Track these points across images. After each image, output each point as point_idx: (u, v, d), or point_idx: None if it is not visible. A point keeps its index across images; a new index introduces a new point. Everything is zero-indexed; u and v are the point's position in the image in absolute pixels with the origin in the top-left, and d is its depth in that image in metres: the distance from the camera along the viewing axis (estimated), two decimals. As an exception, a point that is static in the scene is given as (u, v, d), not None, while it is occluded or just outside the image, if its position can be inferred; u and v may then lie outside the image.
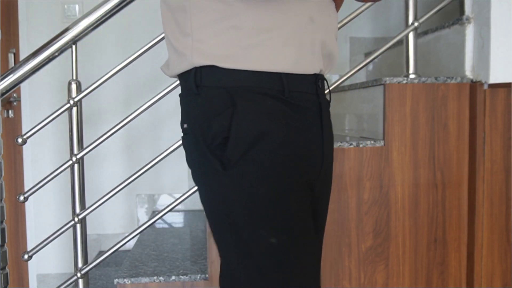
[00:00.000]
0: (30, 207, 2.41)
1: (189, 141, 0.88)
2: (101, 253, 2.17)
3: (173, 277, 1.41)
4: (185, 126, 0.88)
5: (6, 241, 1.39)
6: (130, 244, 2.05)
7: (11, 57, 2.22)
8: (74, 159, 1.41)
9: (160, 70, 1.11)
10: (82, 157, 1.42)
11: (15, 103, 2.36)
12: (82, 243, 1.44)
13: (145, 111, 1.45)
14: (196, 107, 0.84)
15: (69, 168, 1.43)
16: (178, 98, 0.91)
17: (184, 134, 0.89)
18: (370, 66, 2.45)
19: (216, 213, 0.87)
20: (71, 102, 1.40)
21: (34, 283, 2.43)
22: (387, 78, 1.46)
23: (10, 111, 2.33)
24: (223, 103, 0.80)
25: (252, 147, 0.80)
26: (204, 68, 0.82)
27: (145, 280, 1.41)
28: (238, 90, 0.80)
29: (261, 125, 0.80)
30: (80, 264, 1.43)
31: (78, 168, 1.43)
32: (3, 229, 1.37)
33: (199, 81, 0.82)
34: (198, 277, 1.41)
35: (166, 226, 2.12)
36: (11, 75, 1.32)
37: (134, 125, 2.33)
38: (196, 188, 1.34)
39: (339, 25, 1.51)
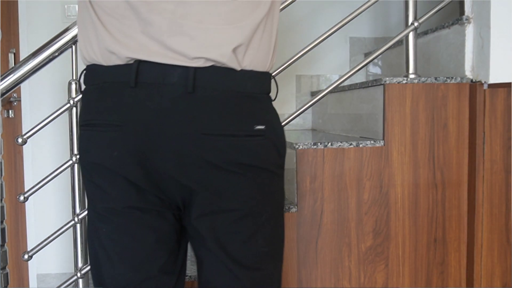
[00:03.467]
0: (30, 207, 2.41)
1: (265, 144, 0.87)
2: (101, 253, 2.17)
3: (173, 277, 1.41)
4: (259, 127, 0.85)
5: (6, 241, 1.39)
6: (130, 244, 2.04)
7: (11, 57, 2.22)
8: (74, 159, 1.41)
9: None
10: (82, 157, 1.42)
11: (15, 103, 2.36)
12: (82, 243, 1.44)
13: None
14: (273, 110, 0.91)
15: (69, 168, 1.43)
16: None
17: (256, 136, 0.85)
18: (370, 66, 2.46)
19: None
20: (71, 102, 1.40)
21: (34, 283, 2.42)
22: (387, 78, 1.46)
23: (10, 111, 2.33)
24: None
25: None
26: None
27: (145, 280, 1.40)
28: None
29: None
30: (80, 264, 1.43)
31: (78, 168, 1.43)
32: (3, 229, 1.37)
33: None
34: (198, 277, 1.41)
35: (166, 226, 2.12)
36: (11, 75, 1.32)
37: (134, 125, 2.32)
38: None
39: (340, 25, 1.51)
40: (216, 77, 0.82)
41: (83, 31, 0.89)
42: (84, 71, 0.92)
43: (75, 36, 1.36)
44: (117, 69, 0.85)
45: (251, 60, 0.85)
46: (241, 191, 0.86)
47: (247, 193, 0.87)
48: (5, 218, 1.40)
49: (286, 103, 2.47)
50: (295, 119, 1.51)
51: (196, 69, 0.81)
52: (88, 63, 0.90)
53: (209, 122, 0.82)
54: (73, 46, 1.39)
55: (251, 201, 0.87)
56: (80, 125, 0.91)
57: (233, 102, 0.83)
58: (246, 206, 0.87)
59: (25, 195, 1.37)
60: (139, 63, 0.82)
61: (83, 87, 0.94)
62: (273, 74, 1.49)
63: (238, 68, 0.84)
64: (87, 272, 1.44)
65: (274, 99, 0.96)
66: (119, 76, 0.84)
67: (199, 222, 0.88)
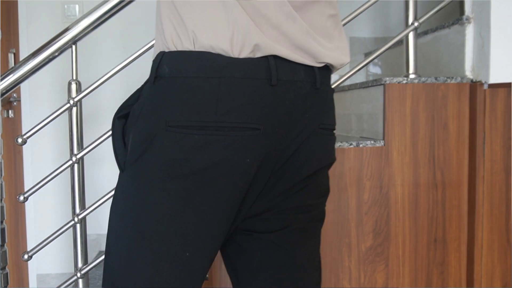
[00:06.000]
0: (30, 207, 2.41)
1: None
2: (101, 253, 2.17)
3: (173, 277, 1.41)
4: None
5: (6, 241, 1.39)
6: (130, 244, 2.04)
7: (11, 57, 2.22)
8: (74, 159, 1.41)
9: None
10: (82, 157, 1.42)
11: (15, 103, 2.36)
12: (82, 243, 1.44)
13: (145, 111, 1.44)
14: None
15: (69, 168, 1.43)
16: None
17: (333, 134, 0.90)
18: (370, 66, 2.46)
19: None
20: (71, 102, 1.40)
21: (34, 283, 2.43)
22: (387, 78, 1.46)
23: (10, 111, 2.33)
24: None
25: None
26: None
27: (145, 280, 1.40)
28: None
29: None
30: (80, 264, 1.43)
31: (78, 168, 1.43)
32: (3, 229, 1.37)
33: None
34: (198, 277, 1.41)
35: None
36: (11, 75, 1.32)
37: (134, 125, 2.32)
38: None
39: (339, 25, 1.51)
40: (325, 74, 0.86)
41: (198, 10, 0.75)
42: (180, 58, 0.76)
43: (75, 36, 1.36)
44: (252, 63, 0.76)
45: None
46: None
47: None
48: (5, 218, 1.40)
49: (286, 103, 2.47)
50: (295, 119, 1.51)
51: (317, 67, 0.84)
52: (196, 49, 0.75)
53: (327, 116, 0.86)
54: (73, 46, 1.39)
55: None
56: (184, 125, 0.74)
57: (332, 98, 0.89)
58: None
59: (25, 195, 1.37)
60: (275, 58, 0.77)
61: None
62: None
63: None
64: (87, 272, 1.44)
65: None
66: (255, 72, 0.76)
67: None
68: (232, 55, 0.74)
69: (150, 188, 0.76)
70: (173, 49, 0.76)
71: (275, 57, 0.77)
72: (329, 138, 0.87)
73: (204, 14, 0.74)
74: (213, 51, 0.74)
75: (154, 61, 0.79)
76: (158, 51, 0.79)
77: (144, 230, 0.76)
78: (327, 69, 0.87)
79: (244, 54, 0.75)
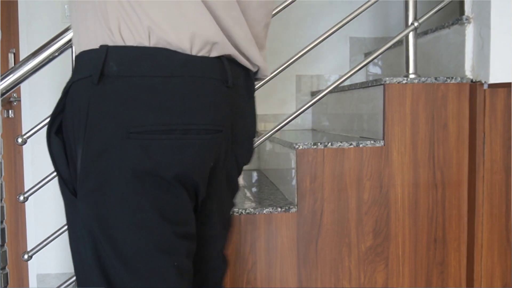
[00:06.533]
0: (30, 207, 2.41)
1: None
2: (101, 253, 2.17)
3: (173, 277, 1.41)
4: None
5: (6, 241, 1.38)
6: (130, 244, 2.04)
7: (11, 57, 2.22)
8: (74, 159, 1.41)
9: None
10: (82, 157, 1.42)
11: (15, 103, 2.36)
12: (82, 243, 1.44)
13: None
14: None
15: (69, 168, 1.43)
16: None
17: None
18: (370, 66, 2.46)
19: None
20: (71, 102, 1.40)
21: (34, 283, 2.42)
22: (387, 78, 1.46)
23: (10, 111, 2.33)
24: None
25: None
26: None
27: (145, 280, 1.40)
28: None
29: None
30: (80, 264, 1.43)
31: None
32: (3, 229, 1.37)
33: None
34: (198, 277, 1.41)
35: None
36: (11, 75, 1.32)
37: (134, 125, 2.32)
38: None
39: (340, 25, 1.51)
40: (254, 83, 0.91)
41: (157, 5, 0.68)
42: (126, 53, 0.68)
43: (75, 36, 1.36)
44: (209, 62, 0.71)
45: None
46: None
47: None
48: (5, 218, 1.39)
49: (286, 103, 2.47)
50: (295, 119, 1.51)
51: (253, 75, 0.87)
52: (152, 45, 0.68)
53: (255, 125, 0.91)
54: (73, 46, 1.39)
55: None
56: (149, 131, 0.66)
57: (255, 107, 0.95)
58: None
59: (25, 195, 1.37)
60: (228, 60, 0.74)
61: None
62: (273, 74, 1.50)
63: None
64: (87, 272, 1.44)
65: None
66: (212, 72, 0.71)
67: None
68: (190, 53, 0.69)
69: (119, 209, 0.68)
70: (120, 43, 0.67)
71: (227, 58, 0.74)
72: (252, 145, 0.91)
73: (163, 9, 0.67)
74: (170, 48, 0.68)
75: (90, 56, 0.69)
76: (95, 44, 0.68)
77: (126, 254, 0.69)
78: (255, 79, 0.90)
79: (202, 52, 0.70)
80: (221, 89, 0.73)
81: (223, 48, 0.72)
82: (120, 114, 0.66)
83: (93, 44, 0.69)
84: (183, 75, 0.68)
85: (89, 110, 0.67)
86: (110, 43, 0.67)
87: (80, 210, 0.70)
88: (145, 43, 0.67)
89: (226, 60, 0.74)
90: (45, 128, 0.78)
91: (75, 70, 0.72)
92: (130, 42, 0.67)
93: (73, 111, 0.70)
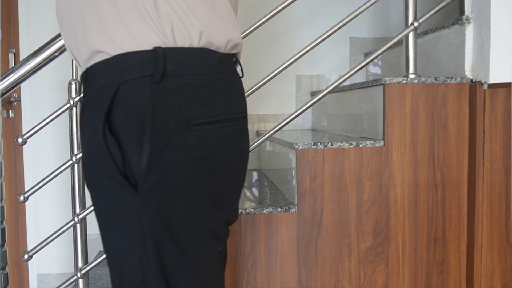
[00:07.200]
0: (30, 207, 2.41)
1: None
2: (101, 253, 2.17)
3: (173, 277, 1.41)
4: None
5: (6, 241, 1.39)
6: (130, 244, 2.04)
7: (11, 57, 2.22)
8: (74, 159, 1.41)
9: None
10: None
11: (15, 103, 2.36)
12: (82, 243, 1.44)
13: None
14: None
15: (69, 168, 1.43)
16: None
17: None
18: (370, 66, 2.46)
19: None
20: (71, 102, 1.40)
21: (34, 283, 2.42)
22: (387, 78, 1.46)
23: (10, 111, 2.33)
24: None
25: None
26: None
27: (145, 280, 1.40)
28: None
29: None
30: (80, 264, 1.43)
31: (78, 168, 1.43)
32: (3, 229, 1.37)
33: None
34: (198, 277, 1.41)
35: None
36: (11, 75, 1.32)
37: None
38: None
39: (340, 25, 1.51)
40: None
41: (207, 10, 0.78)
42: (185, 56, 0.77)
43: (75, 36, 1.36)
44: (232, 58, 0.85)
45: None
46: None
47: None
48: (5, 218, 1.40)
49: (286, 103, 2.47)
50: (295, 119, 1.51)
51: None
52: (200, 46, 0.77)
53: None
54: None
55: None
56: (204, 122, 0.76)
57: None
58: None
59: (25, 195, 1.37)
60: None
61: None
62: (273, 74, 1.50)
63: None
64: (87, 272, 1.44)
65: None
66: (233, 66, 0.85)
67: None
68: (222, 51, 0.80)
69: (181, 197, 0.75)
70: (172, 45, 0.75)
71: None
72: None
73: (209, 16, 0.78)
74: (211, 48, 0.78)
75: (141, 57, 0.74)
76: (142, 46, 0.74)
77: (181, 240, 0.76)
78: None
79: (227, 50, 0.82)
80: (241, 81, 0.86)
81: (240, 46, 0.86)
82: (180, 109, 0.74)
83: (139, 46, 0.74)
84: (220, 71, 0.79)
85: (152, 107, 0.73)
86: (163, 45, 0.74)
87: (142, 202, 0.74)
88: (194, 44, 0.76)
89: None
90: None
91: (118, 70, 0.75)
92: (181, 44, 0.75)
93: (129, 109, 0.74)
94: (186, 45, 0.75)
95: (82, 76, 0.83)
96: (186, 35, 0.75)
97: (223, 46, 0.79)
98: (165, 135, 0.73)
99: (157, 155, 0.73)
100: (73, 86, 1.42)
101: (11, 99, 2.34)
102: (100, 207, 0.81)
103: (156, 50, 0.73)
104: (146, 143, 0.72)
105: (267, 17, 1.49)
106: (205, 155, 0.76)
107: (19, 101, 2.38)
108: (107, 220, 0.80)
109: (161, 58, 0.73)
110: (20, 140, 1.36)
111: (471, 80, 1.50)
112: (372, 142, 1.45)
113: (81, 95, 0.88)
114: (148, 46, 0.74)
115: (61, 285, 1.42)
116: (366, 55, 2.46)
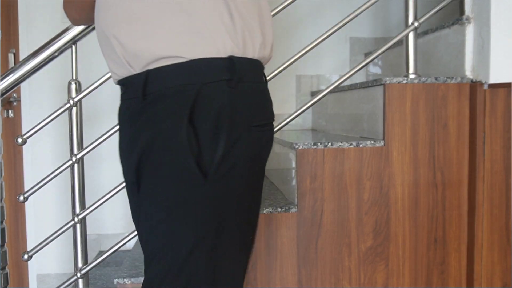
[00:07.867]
0: (30, 207, 2.41)
1: None
2: (101, 253, 2.17)
3: (173, 277, 1.41)
4: None
5: (6, 241, 1.39)
6: (130, 244, 2.05)
7: (11, 57, 2.22)
8: (74, 159, 1.41)
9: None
10: (82, 157, 1.42)
11: (15, 103, 2.36)
12: (82, 243, 1.44)
13: (145, 111, 1.44)
14: None
15: (69, 168, 1.43)
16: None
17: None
18: (370, 66, 2.46)
19: None
20: (71, 102, 1.40)
21: (34, 283, 2.42)
22: (387, 78, 1.46)
23: (10, 111, 2.33)
24: None
25: None
26: None
27: (145, 280, 1.40)
28: None
29: None
30: (80, 264, 1.43)
31: (78, 168, 1.43)
32: (3, 229, 1.37)
33: None
34: (198, 277, 1.41)
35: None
36: (11, 75, 1.33)
37: (134, 125, 2.32)
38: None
39: (340, 25, 1.51)
40: None
41: (250, 22, 0.89)
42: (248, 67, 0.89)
43: (75, 36, 1.36)
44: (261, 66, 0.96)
45: None
46: None
47: None
48: (5, 218, 1.40)
49: (286, 103, 2.48)
50: (295, 119, 1.51)
51: None
52: (252, 57, 0.90)
53: None
54: (73, 46, 1.39)
55: None
56: (259, 125, 0.89)
57: None
58: None
59: (25, 195, 1.37)
60: None
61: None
62: (273, 74, 1.50)
63: None
64: (87, 272, 1.44)
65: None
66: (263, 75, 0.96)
67: None
68: (264, 63, 0.95)
69: (242, 188, 0.88)
70: (240, 55, 0.86)
71: None
72: None
73: (263, 28, 0.92)
74: (261, 60, 0.92)
75: (218, 64, 0.84)
76: (218, 54, 0.84)
77: (235, 232, 0.89)
78: None
79: (265, 62, 0.97)
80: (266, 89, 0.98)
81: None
82: (247, 111, 0.87)
83: (218, 53, 0.84)
84: (265, 81, 0.95)
85: (231, 107, 0.84)
86: (235, 54, 0.85)
87: (211, 190, 0.84)
88: (256, 56, 0.90)
89: None
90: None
91: (197, 73, 0.83)
92: (249, 54, 0.88)
93: (209, 108, 0.83)
94: (250, 56, 0.87)
95: (135, 76, 0.86)
96: (251, 47, 0.87)
97: (267, 59, 0.94)
98: (237, 132, 0.84)
99: (230, 148, 0.84)
100: (73, 86, 1.42)
101: (11, 99, 2.34)
102: (162, 195, 0.86)
103: (232, 59, 0.84)
104: (222, 139, 0.83)
105: (267, 17, 1.49)
106: (258, 152, 0.89)
107: (19, 101, 2.38)
108: (167, 208, 0.86)
109: (238, 66, 0.84)
110: (20, 140, 1.36)
111: (471, 80, 1.50)
112: (372, 142, 1.45)
113: (121, 95, 0.93)
114: (224, 54, 0.84)
115: (61, 285, 1.42)
116: (366, 55, 2.46)
